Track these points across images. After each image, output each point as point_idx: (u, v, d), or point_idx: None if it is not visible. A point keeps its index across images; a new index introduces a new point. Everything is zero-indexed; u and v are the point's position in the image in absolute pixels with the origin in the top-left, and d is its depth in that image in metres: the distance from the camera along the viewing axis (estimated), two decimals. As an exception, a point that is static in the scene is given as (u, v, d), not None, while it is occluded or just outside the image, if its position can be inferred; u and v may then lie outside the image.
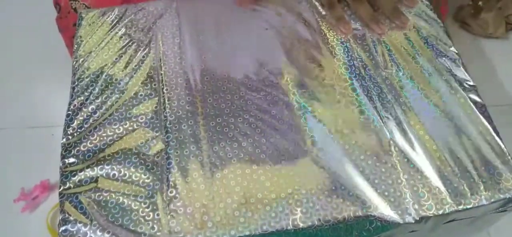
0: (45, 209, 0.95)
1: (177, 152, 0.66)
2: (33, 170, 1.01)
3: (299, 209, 0.62)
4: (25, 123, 1.10)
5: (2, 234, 0.93)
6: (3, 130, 1.09)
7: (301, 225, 0.61)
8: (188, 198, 0.62)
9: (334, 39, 0.80)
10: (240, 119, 0.69)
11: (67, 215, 0.62)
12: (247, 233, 0.60)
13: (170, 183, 0.63)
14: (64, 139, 0.69)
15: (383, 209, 0.62)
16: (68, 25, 0.95)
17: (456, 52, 0.80)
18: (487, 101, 1.13)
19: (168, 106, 0.71)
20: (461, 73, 0.76)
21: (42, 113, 1.12)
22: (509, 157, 0.68)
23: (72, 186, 0.64)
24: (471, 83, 0.75)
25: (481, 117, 0.72)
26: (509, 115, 1.16)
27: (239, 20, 0.83)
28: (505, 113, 1.16)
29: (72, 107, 0.72)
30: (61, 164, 0.67)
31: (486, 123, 0.71)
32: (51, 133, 1.07)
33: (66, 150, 0.68)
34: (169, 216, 0.61)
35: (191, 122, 0.69)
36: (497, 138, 0.69)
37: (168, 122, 0.69)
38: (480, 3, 1.29)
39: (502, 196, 0.64)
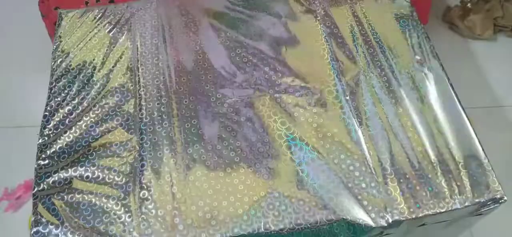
0: (28, 209, 0.94)
1: (150, 154, 0.66)
2: (17, 169, 1.01)
3: (271, 212, 0.61)
4: (9, 122, 1.10)
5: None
6: (-12, 129, 1.09)
7: (273, 228, 0.61)
8: (160, 200, 0.62)
9: (314, 38, 0.80)
10: (215, 122, 0.69)
11: (39, 216, 0.62)
12: (218, 235, 0.60)
13: (143, 185, 0.63)
14: (40, 140, 0.69)
15: (356, 212, 0.62)
16: (49, 9, 0.94)
17: (436, 53, 0.79)
18: (474, 102, 1.13)
19: (144, 107, 0.71)
20: (440, 76, 0.76)
21: (26, 113, 1.12)
22: (486, 161, 0.67)
23: (46, 187, 0.64)
24: (451, 86, 0.75)
25: (459, 120, 0.71)
26: (495, 116, 1.16)
27: (217, 21, 0.82)
28: (491, 114, 1.16)
29: (49, 107, 0.72)
30: (36, 165, 0.67)
31: (464, 126, 0.70)
32: (35, 132, 1.07)
33: (42, 151, 0.68)
34: (140, 218, 0.60)
35: (165, 123, 0.69)
36: (475, 141, 0.69)
37: (142, 124, 0.69)
38: (468, 5, 1.28)
39: (476, 200, 0.64)
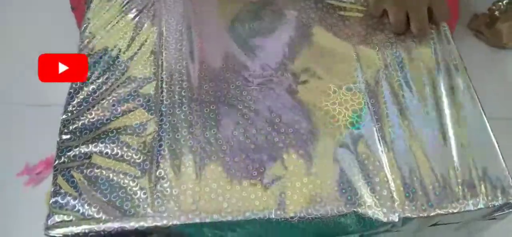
0: (48, 185, 0.97)
1: (169, 136, 0.67)
2: (40, 146, 1.04)
3: (283, 200, 0.62)
4: (35, 100, 1.13)
5: (3, 206, 0.96)
6: (15, 105, 1.12)
7: (283, 215, 0.61)
8: (175, 180, 0.63)
9: (339, 38, 0.80)
10: (233, 108, 0.70)
11: (58, 187, 0.64)
12: (230, 218, 0.61)
13: (160, 164, 0.65)
14: (64, 116, 0.71)
15: (368, 206, 0.63)
16: (80, 2, 0.97)
17: (460, 56, 0.79)
18: (497, 113, 1.12)
19: (165, 90, 0.72)
20: (460, 77, 0.76)
21: (53, 91, 1.15)
22: (503, 165, 0.67)
23: (66, 160, 0.66)
24: (471, 89, 0.74)
25: (478, 123, 0.71)
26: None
27: (243, 10, 0.84)
28: (516, 125, 1.15)
29: (74, 85, 0.74)
30: (58, 139, 0.69)
31: (484, 130, 0.70)
32: (60, 111, 1.10)
33: (65, 126, 0.70)
34: (154, 196, 0.62)
35: (185, 107, 0.70)
36: (494, 145, 0.69)
37: (163, 106, 0.70)
38: (496, 13, 1.27)
39: (490, 204, 0.64)
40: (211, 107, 0.71)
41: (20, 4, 1.37)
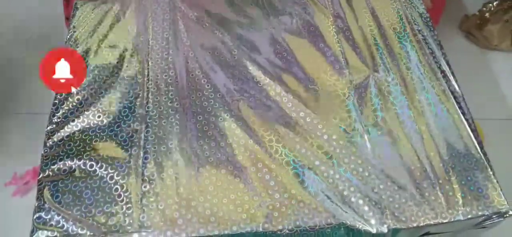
0: (35, 195, 0.96)
1: (154, 148, 0.66)
2: (28, 155, 1.02)
3: (271, 213, 0.61)
4: (23, 108, 1.12)
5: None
6: (4, 114, 1.11)
7: (271, 228, 0.60)
8: (162, 194, 0.62)
9: (324, 38, 0.80)
10: (220, 119, 0.69)
11: (43, 202, 0.62)
12: (216, 232, 0.60)
13: (145, 178, 0.64)
14: (49, 127, 0.70)
15: (356, 218, 0.62)
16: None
17: (447, 61, 0.78)
18: (488, 114, 1.11)
19: (151, 101, 0.71)
20: (450, 83, 0.75)
21: (42, 100, 1.13)
22: (491, 173, 0.66)
23: (51, 174, 0.65)
24: (459, 95, 0.74)
25: (467, 131, 0.70)
26: (510, 129, 1.13)
27: (230, 18, 0.83)
28: (506, 127, 1.14)
29: (58, 95, 0.73)
30: (42, 152, 0.67)
31: (471, 137, 0.70)
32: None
33: (49, 138, 0.68)
34: (140, 211, 0.61)
35: (171, 118, 0.69)
36: (480, 153, 0.68)
37: (149, 117, 0.69)
38: (486, 14, 1.26)
39: (480, 212, 0.63)
40: (198, 118, 0.69)
41: (12, 15, 1.35)
